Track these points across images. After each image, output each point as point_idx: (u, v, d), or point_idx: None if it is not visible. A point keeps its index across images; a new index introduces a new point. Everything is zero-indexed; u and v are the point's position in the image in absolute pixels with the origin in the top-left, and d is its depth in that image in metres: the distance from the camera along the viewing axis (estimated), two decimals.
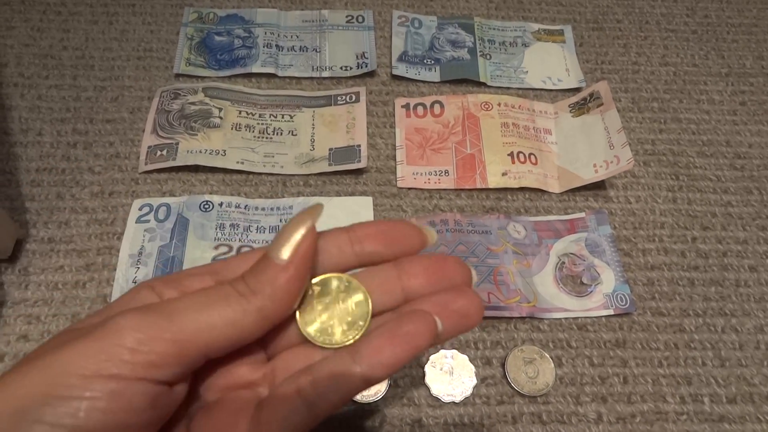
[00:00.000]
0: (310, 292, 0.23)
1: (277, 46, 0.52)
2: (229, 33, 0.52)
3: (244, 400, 0.22)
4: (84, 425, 0.17)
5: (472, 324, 0.22)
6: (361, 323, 0.22)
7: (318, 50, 0.52)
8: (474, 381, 0.37)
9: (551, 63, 0.52)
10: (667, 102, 0.51)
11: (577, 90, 0.51)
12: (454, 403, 0.37)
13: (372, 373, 0.20)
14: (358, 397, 0.36)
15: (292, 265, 0.20)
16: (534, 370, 0.38)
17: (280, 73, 0.50)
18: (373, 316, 0.23)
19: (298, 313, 0.22)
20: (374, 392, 0.36)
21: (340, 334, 0.22)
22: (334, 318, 0.22)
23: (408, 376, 0.38)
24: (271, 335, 0.23)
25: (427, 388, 0.37)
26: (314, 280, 0.23)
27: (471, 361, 0.38)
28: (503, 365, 0.38)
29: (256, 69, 0.50)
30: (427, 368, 0.38)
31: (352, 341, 0.22)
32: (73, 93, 0.48)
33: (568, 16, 0.56)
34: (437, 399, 0.37)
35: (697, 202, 0.46)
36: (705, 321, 0.41)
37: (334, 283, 0.23)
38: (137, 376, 0.18)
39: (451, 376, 0.37)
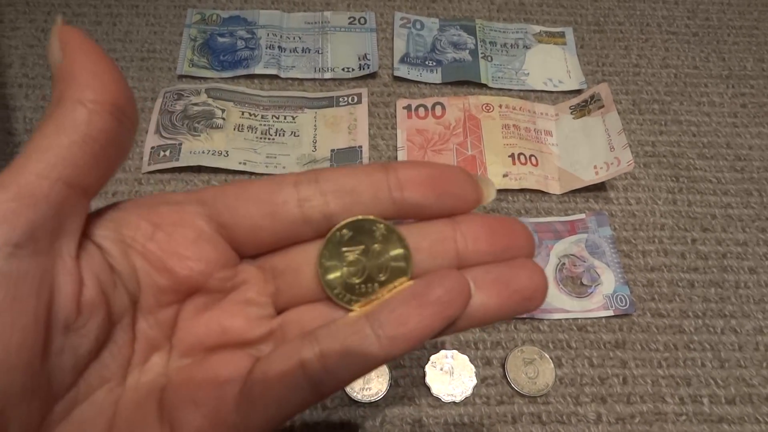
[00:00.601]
0: (338, 235, 0.19)
1: (279, 47, 0.52)
2: (232, 34, 0.52)
3: (234, 365, 0.18)
4: None
5: (535, 306, 0.19)
6: (396, 286, 0.18)
7: (320, 52, 0.52)
8: (474, 381, 0.38)
9: (552, 65, 0.53)
10: (668, 104, 0.51)
11: (578, 92, 0.51)
12: (454, 403, 0.37)
13: (393, 349, 0.17)
14: (359, 397, 0.36)
15: (64, 53, 0.16)
16: (534, 371, 0.38)
17: (282, 75, 0.50)
18: (412, 278, 0.18)
19: (318, 259, 0.19)
20: (375, 392, 0.37)
21: (368, 296, 0.19)
22: (363, 273, 0.19)
23: (408, 376, 0.38)
24: (282, 281, 0.19)
25: (428, 388, 0.37)
26: (346, 221, 0.19)
27: (471, 361, 0.38)
28: (503, 365, 0.38)
29: (258, 70, 0.50)
30: (428, 368, 0.38)
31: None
32: None
33: (570, 18, 0.56)
34: (437, 399, 0.37)
35: (697, 203, 0.46)
36: (704, 322, 0.41)
37: (371, 230, 0.19)
38: None
39: (451, 376, 0.38)
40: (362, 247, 0.19)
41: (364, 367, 0.17)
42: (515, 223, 0.19)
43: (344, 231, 0.19)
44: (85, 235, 0.18)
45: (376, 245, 0.19)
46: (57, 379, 0.16)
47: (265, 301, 0.20)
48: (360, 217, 0.18)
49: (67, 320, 0.16)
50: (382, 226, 0.19)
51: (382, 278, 0.19)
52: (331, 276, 0.19)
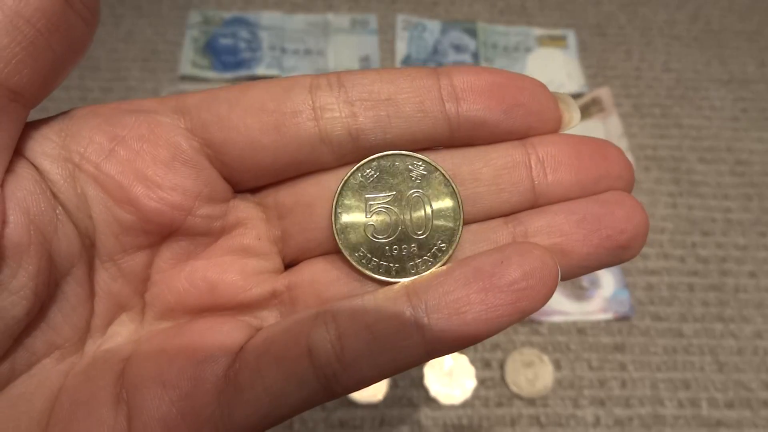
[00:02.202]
0: (359, 177, 0.14)
1: (281, 48, 0.52)
2: (234, 35, 0.52)
3: (222, 336, 0.14)
4: None
5: (631, 256, 0.14)
6: (441, 246, 0.14)
7: (322, 53, 0.52)
8: (473, 383, 0.38)
9: (554, 68, 0.53)
10: (669, 108, 0.51)
11: (579, 95, 0.51)
12: (453, 404, 0.37)
13: (440, 345, 0.13)
14: (357, 397, 0.36)
15: None
16: (533, 373, 0.38)
17: (284, 76, 0.50)
18: (468, 222, 0.14)
19: (333, 209, 0.14)
20: (374, 393, 0.37)
21: (403, 260, 0.14)
22: (395, 230, 0.14)
23: (407, 377, 0.38)
24: (290, 222, 0.15)
25: (426, 390, 0.37)
26: (370, 158, 0.14)
27: (470, 363, 0.38)
28: (502, 368, 0.38)
29: (260, 71, 0.50)
30: (426, 369, 0.38)
31: (416, 276, 0.14)
32: (80, 94, 0.49)
33: (571, 21, 0.56)
34: (436, 400, 0.37)
35: (697, 207, 0.46)
36: (704, 326, 0.41)
37: (406, 169, 0.14)
38: None
39: (450, 377, 0.38)
40: (393, 194, 0.14)
41: (395, 364, 0.13)
42: (608, 146, 0.14)
43: (368, 171, 0.14)
44: (17, 152, 0.13)
45: (412, 191, 0.14)
46: None
47: (267, 249, 0.15)
48: (390, 151, 0.14)
49: None
50: (420, 163, 0.14)
51: (422, 235, 0.14)
52: (352, 235, 0.14)
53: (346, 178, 0.14)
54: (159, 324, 0.15)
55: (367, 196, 0.14)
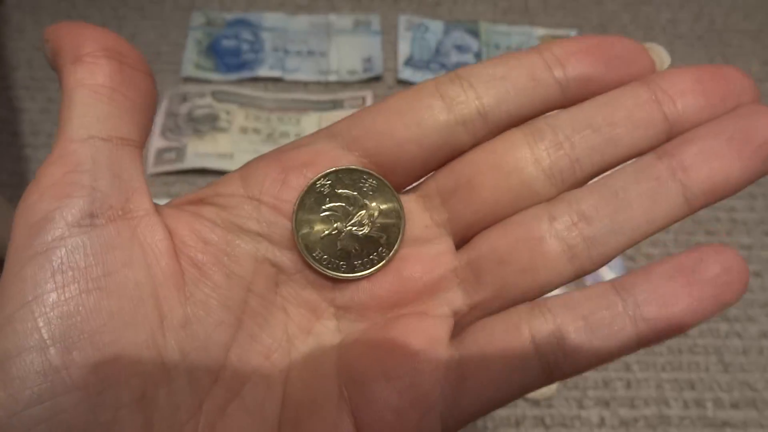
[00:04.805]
0: (317, 185, 0.16)
1: (284, 50, 0.52)
2: (237, 37, 0.52)
3: (425, 331, 0.16)
4: None
5: None
6: (381, 241, 0.16)
7: (325, 54, 0.52)
8: None
9: None
10: None
11: None
12: None
13: (650, 335, 0.14)
14: None
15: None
16: None
17: (287, 77, 0.50)
18: (612, 166, 0.16)
19: (294, 213, 0.16)
20: None
21: (347, 257, 0.16)
22: (341, 234, 0.16)
23: None
24: (457, 203, 0.17)
25: None
26: (325, 172, 0.16)
27: None
28: None
29: (263, 73, 0.50)
30: None
31: (366, 273, 0.16)
32: None
33: (574, 21, 0.56)
34: None
35: None
36: (708, 326, 0.41)
37: (358, 181, 0.16)
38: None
39: None
40: (342, 205, 0.16)
41: (609, 352, 0.15)
42: (724, 66, 0.16)
43: (322, 181, 0.16)
44: (204, 201, 0.17)
45: (365, 201, 0.16)
46: (199, 356, 0.14)
47: (436, 233, 0.17)
48: (344, 166, 0.16)
49: (175, 284, 0.15)
50: (372, 179, 0.16)
51: (361, 233, 0.16)
52: (303, 226, 0.16)
53: (306, 188, 0.16)
54: (355, 325, 0.16)
55: (324, 207, 0.16)
